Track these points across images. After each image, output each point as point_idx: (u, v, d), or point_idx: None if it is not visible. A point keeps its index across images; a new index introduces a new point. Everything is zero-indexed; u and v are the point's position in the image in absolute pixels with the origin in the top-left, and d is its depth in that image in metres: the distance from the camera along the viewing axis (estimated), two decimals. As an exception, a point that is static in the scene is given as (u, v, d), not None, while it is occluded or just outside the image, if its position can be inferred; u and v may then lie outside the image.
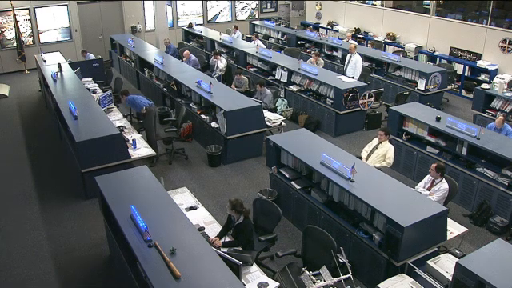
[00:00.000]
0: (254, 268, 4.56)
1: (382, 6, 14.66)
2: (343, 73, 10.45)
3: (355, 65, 10.32)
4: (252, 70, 11.84)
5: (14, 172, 8.10)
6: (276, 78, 10.79)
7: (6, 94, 12.35)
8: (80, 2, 14.69)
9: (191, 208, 5.61)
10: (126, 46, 12.90)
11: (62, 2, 14.48)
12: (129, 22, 15.71)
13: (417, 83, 10.18)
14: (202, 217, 5.46)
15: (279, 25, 16.33)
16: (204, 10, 16.93)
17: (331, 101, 9.26)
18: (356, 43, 11.79)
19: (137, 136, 7.83)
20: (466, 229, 5.38)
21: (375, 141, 6.92)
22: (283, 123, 8.80)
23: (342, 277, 4.25)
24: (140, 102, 8.37)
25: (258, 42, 13.17)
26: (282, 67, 10.56)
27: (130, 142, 7.45)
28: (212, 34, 14.12)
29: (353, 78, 9.98)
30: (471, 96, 10.86)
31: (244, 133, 8.11)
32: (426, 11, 13.22)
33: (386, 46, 13.87)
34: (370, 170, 5.80)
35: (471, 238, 6.09)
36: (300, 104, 10.06)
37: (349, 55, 10.55)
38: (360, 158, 6.78)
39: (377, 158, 6.75)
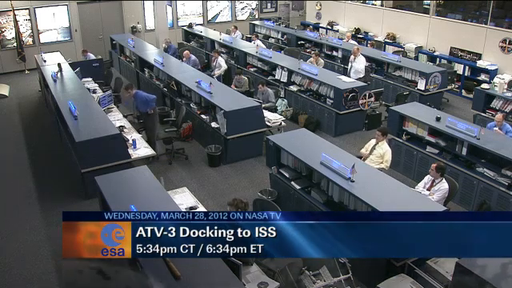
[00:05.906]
0: (254, 268, 4.56)
1: (382, 5, 14.64)
2: (347, 75, 10.30)
3: (359, 66, 10.24)
4: (252, 70, 11.83)
5: (14, 172, 8.09)
6: (276, 77, 10.78)
7: (6, 93, 12.35)
8: (80, 2, 14.68)
9: (191, 208, 5.60)
10: (126, 45, 12.89)
11: (62, 2, 14.46)
12: (129, 22, 15.69)
13: (417, 83, 10.17)
14: (201, 217, 5.45)
15: (279, 25, 16.31)
16: (204, 10, 16.91)
17: (331, 101, 9.26)
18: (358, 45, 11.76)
19: (137, 136, 7.83)
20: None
21: (373, 141, 6.90)
22: (283, 123, 8.80)
23: (341, 277, 4.26)
24: (151, 102, 8.24)
25: (258, 42, 13.16)
26: (282, 67, 10.55)
27: (130, 142, 7.45)
28: (212, 33, 14.11)
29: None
30: (471, 96, 10.84)
31: (244, 133, 8.11)
32: (426, 11, 13.20)
33: (386, 45, 13.85)
34: (370, 170, 5.80)
35: (471, 238, 6.09)
36: (300, 104, 10.05)
37: (352, 57, 10.46)
38: (360, 156, 6.76)
39: (376, 159, 6.73)
